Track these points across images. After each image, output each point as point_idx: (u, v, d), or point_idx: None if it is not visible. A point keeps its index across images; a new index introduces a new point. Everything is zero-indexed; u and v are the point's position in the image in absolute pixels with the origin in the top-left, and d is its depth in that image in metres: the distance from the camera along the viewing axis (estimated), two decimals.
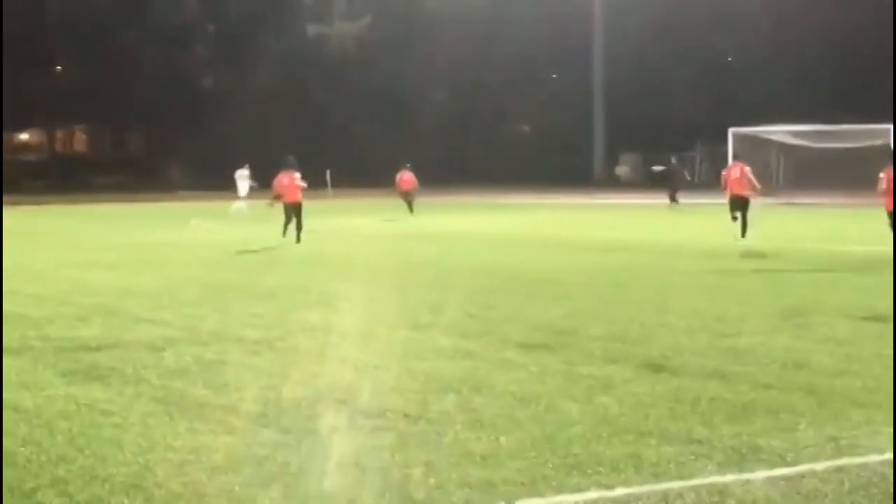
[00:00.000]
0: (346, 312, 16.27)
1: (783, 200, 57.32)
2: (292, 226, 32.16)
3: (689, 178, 55.73)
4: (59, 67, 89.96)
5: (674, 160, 58.30)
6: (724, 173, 34.50)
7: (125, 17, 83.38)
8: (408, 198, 48.57)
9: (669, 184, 56.95)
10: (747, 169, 32.92)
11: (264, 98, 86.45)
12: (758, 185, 33.15)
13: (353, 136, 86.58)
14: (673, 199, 55.08)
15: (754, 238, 30.39)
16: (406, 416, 9.67)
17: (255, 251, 29.00)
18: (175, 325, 14.99)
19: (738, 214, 32.17)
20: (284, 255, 27.83)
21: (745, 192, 32.64)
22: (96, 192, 73.69)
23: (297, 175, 32.73)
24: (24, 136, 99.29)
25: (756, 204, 33.08)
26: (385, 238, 34.16)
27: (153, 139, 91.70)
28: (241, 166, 55.93)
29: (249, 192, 53.42)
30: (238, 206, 51.25)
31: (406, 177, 49.72)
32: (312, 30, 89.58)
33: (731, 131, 60.63)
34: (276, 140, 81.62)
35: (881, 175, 26.79)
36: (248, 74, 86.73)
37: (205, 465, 8.22)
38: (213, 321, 15.38)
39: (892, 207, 26.33)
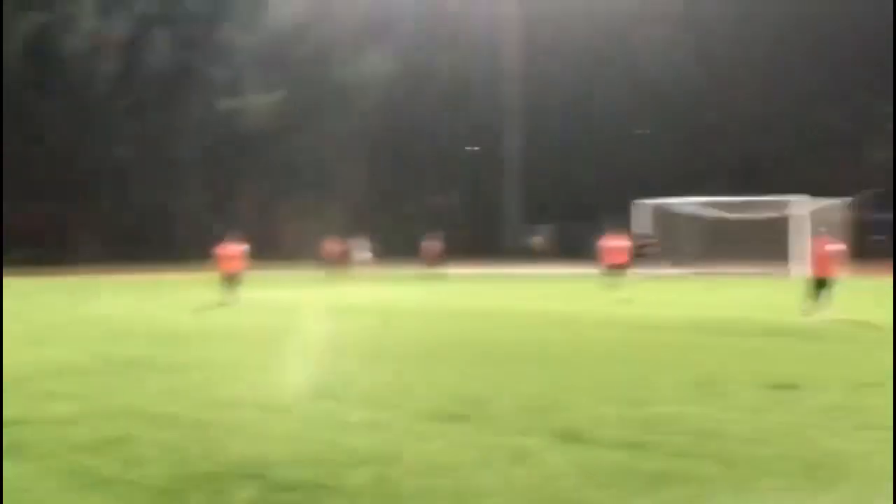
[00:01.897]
0: (259, 385, 16.13)
1: (692, 270, 58.02)
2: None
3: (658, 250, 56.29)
4: None
5: (641, 231, 58.69)
6: (601, 244, 41.34)
7: (36, 84, 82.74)
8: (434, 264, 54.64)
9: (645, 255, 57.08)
10: (624, 241, 41.06)
11: (178, 171, 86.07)
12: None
13: (267, 209, 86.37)
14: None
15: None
16: (320, 487, 9.60)
17: (170, 325, 28.70)
18: (82, 399, 14.75)
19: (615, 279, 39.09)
20: (199, 328, 27.57)
21: (623, 261, 40.26)
22: (6, 266, 72.64)
23: (242, 246, 37.35)
24: None
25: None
26: (302, 310, 33.97)
27: (63, 211, 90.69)
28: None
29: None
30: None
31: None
32: (224, 104, 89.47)
33: (635, 203, 61.41)
34: (189, 213, 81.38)
35: (819, 244, 29.01)
36: (163, 148, 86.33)
37: None
38: (124, 395, 15.17)
39: (818, 274, 28.68)
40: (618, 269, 40.37)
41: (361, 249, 59.08)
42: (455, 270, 54.07)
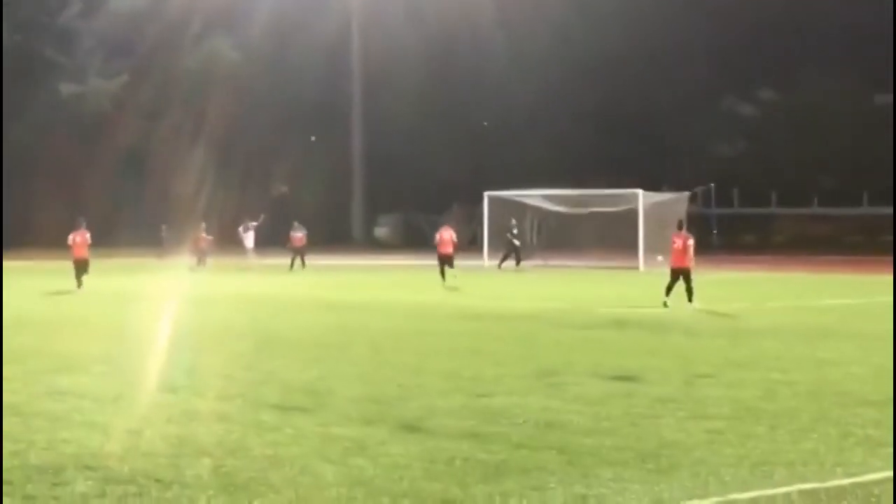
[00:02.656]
0: (98, 376, 15.88)
1: (537, 262, 58.52)
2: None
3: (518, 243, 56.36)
4: None
5: (514, 222, 58.62)
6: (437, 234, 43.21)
7: None
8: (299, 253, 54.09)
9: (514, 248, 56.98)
10: (451, 232, 42.87)
11: (15, 157, 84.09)
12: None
13: (108, 196, 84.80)
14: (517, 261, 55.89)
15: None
16: (157, 481, 9.49)
17: (14, 312, 27.99)
18: None
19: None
20: (34, 316, 27.01)
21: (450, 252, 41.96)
22: None
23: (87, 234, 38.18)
24: None
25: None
26: (142, 300, 33.49)
27: None
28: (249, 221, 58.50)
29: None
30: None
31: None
32: (66, 88, 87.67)
33: (486, 195, 61.73)
34: (31, 199, 79.50)
35: (674, 238, 30.09)
36: (2, 135, 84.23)
37: None
38: None
39: (675, 265, 29.87)
40: (446, 259, 41.71)
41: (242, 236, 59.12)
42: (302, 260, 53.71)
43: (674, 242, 30.79)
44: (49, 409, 13.09)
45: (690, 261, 29.87)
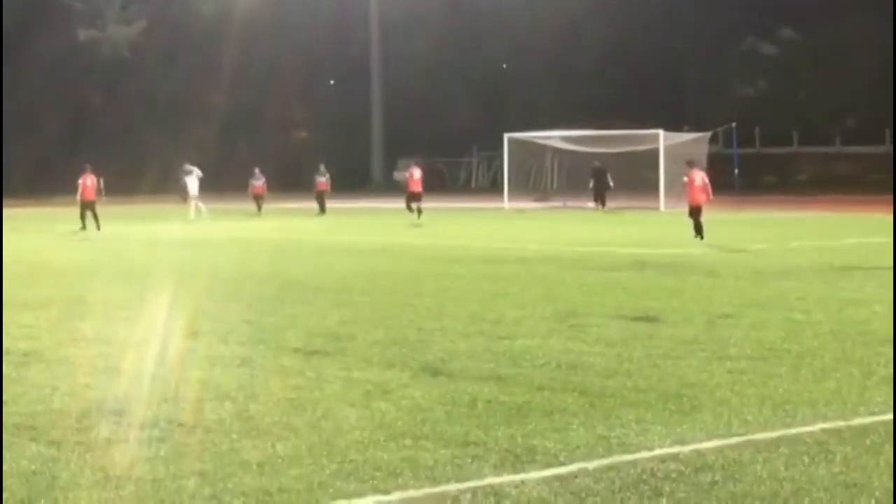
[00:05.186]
0: (121, 322, 15.93)
1: (556, 204, 58.47)
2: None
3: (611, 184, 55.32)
4: None
5: (596, 163, 57.75)
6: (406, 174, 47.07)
7: None
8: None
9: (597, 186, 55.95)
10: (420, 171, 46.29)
11: (36, 103, 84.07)
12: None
13: (128, 142, 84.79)
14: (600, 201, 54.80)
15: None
16: (181, 425, 9.54)
17: (27, 260, 28.12)
18: None
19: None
20: (54, 262, 27.11)
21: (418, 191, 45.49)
22: None
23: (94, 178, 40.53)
24: None
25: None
26: (163, 245, 33.60)
27: None
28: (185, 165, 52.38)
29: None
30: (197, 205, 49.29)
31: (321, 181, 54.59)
32: (84, 34, 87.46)
33: (506, 137, 61.54)
34: (49, 146, 79.48)
35: (685, 178, 30.24)
36: (18, 80, 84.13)
37: None
38: None
39: (693, 203, 30.83)
40: (415, 198, 45.06)
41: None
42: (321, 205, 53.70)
43: (693, 180, 30.93)
44: (72, 355, 13.16)
45: (706, 198, 30.58)
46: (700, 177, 31.33)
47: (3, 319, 15.56)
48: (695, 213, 30.61)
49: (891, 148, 78.99)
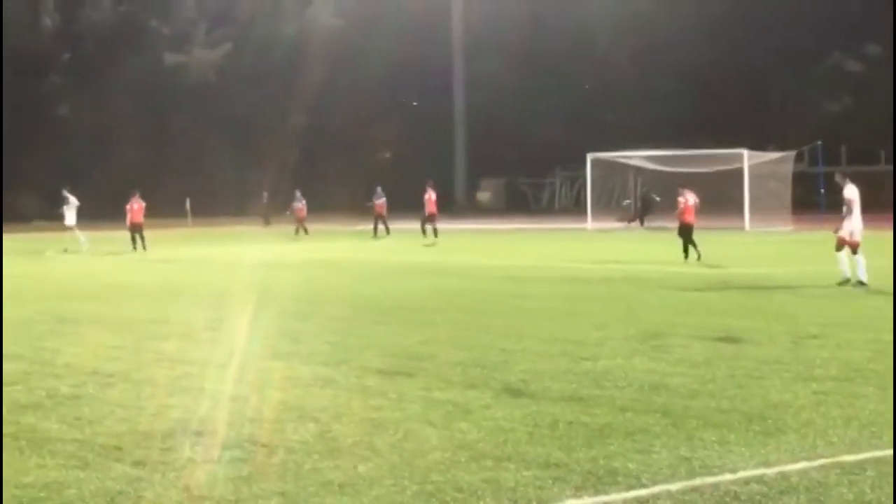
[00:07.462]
0: (204, 343, 16.06)
1: (636, 224, 58.16)
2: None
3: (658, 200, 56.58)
4: None
5: (644, 188, 59.09)
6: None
7: None
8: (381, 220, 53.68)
9: (642, 209, 57.90)
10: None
11: (121, 127, 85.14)
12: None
13: (211, 165, 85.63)
14: (641, 222, 56.53)
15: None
16: (263, 445, 9.59)
17: (111, 282, 28.49)
18: (28, 359, 14.62)
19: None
20: (142, 285, 27.42)
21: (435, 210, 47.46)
22: None
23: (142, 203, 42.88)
24: None
25: None
26: (244, 267, 33.87)
27: (5, 169, 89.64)
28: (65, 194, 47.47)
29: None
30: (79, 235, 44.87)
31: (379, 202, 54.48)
32: (170, 58, 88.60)
33: (589, 156, 61.38)
34: (133, 169, 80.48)
35: (679, 199, 33.28)
36: (105, 103, 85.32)
37: (55, 502, 8.04)
38: (67, 354, 15.06)
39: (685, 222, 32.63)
40: (431, 219, 47.29)
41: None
42: (402, 226, 53.84)
43: (686, 201, 33.15)
44: (157, 376, 13.28)
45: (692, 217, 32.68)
46: (692, 198, 33.38)
47: (91, 340, 15.76)
48: (685, 232, 32.24)
49: None
